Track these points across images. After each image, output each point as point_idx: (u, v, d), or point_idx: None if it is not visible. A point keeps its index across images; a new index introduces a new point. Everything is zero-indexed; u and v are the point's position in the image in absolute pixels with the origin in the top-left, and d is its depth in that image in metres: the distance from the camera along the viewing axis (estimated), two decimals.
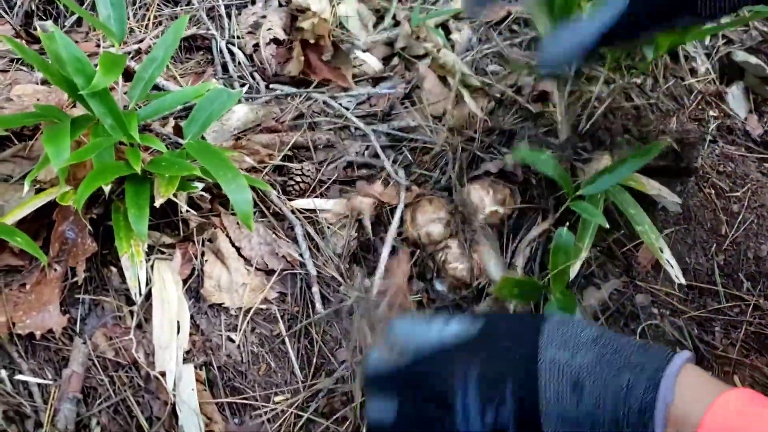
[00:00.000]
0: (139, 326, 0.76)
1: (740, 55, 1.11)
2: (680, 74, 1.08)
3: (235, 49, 1.05)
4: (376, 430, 0.59)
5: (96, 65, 0.74)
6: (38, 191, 0.78)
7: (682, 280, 0.81)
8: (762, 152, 1.05)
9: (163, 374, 0.73)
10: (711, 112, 1.06)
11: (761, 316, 0.89)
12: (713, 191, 0.97)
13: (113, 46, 0.83)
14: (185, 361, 0.75)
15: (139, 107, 0.84)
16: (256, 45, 1.05)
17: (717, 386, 0.52)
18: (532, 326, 0.59)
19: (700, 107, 1.07)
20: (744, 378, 0.85)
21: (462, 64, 1.00)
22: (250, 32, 1.07)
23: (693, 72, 1.10)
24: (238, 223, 0.84)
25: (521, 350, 0.57)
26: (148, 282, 0.77)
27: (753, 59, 1.10)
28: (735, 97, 1.10)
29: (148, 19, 1.08)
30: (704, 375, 0.54)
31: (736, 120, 1.08)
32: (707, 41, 1.12)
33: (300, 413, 0.75)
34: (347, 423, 0.75)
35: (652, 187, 0.85)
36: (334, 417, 0.76)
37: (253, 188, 0.84)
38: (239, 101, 0.97)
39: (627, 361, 0.55)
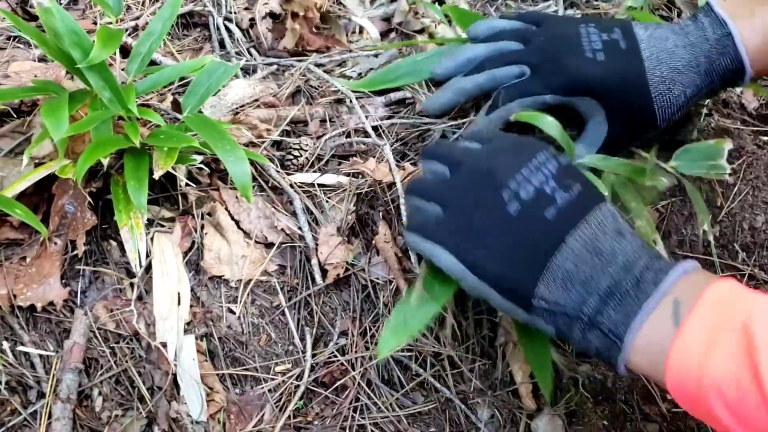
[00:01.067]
0: (139, 298, 0.77)
1: None
2: None
3: (232, 26, 1.06)
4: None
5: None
6: (37, 165, 0.78)
7: None
8: (757, 125, 1.06)
9: (164, 345, 0.74)
10: None
11: (756, 286, 0.90)
12: None
13: (111, 23, 0.83)
14: (186, 332, 0.76)
15: (137, 82, 0.84)
16: (253, 20, 1.05)
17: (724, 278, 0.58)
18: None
19: None
20: None
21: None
22: (246, 8, 1.07)
23: None
24: (237, 197, 0.84)
25: (595, 189, 0.67)
26: (148, 254, 0.78)
27: None
28: None
29: None
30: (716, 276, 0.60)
31: (731, 93, 1.08)
32: None
33: (300, 383, 0.75)
34: (347, 391, 0.76)
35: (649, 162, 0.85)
36: (334, 386, 0.76)
37: (252, 163, 0.85)
38: (236, 77, 0.97)
39: (659, 254, 0.63)
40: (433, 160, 0.70)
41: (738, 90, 1.10)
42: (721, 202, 0.95)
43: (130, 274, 0.78)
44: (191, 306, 0.78)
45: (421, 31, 1.05)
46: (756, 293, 0.54)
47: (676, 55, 0.78)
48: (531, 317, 0.62)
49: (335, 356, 0.77)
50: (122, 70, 0.84)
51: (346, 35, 1.07)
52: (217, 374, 0.75)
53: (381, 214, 0.86)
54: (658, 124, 0.81)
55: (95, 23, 1.04)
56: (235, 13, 1.07)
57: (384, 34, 1.08)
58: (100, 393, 0.73)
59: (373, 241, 0.82)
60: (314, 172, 0.89)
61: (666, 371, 0.53)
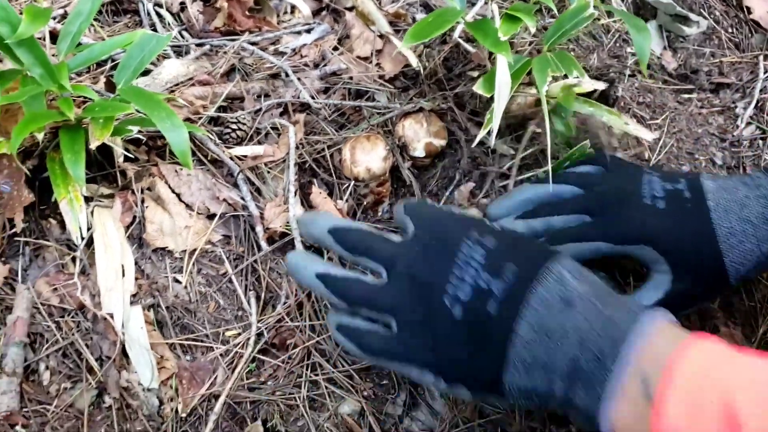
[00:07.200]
0: (83, 272, 0.76)
1: None
2: (597, 12, 1.12)
3: (162, 11, 1.05)
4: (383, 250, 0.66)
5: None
6: None
7: None
8: (678, 84, 1.11)
9: (111, 315, 0.73)
10: (629, 49, 1.11)
11: None
12: (634, 120, 1.02)
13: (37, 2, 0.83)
14: (132, 303, 0.76)
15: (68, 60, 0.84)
16: (183, 4, 1.05)
17: (689, 334, 0.55)
18: (550, 250, 0.65)
19: (618, 44, 1.12)
20: None
21: (378, 13, 1.02)
22: None
23: (609, 13, 1.15)
24: (176, 171, 0.85)
25: (534, 254, 0.63)
26: (89, 228, 0.77)
27: None
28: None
29: None
30: (681, 328, 0.57)
31: (652, 56, 1.13)
32: None
33: (251, 346, 0.76)
34: (296, 350, 0.76)
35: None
36: (285, 347, 0.77)
37: (191, 138, 0.85)
38: (169, 57, 0.97)
39: (617, 301, 0.60)
40: (364, 257, 0.66)
41: (658, 52, 1.15)
42: (648, 155, 0.99)
43: (72, 249, 0.77)
44: (136, 278, 0.77)
45: (351, 8, 1.06)
46: (731, 359, 0.53)
47: (747, 206, 0.71)
48: (509, 401, 0.61)
49: (284, 319, 0.78)
50: (52, 56, 0.83)
51: (277, 15, 1.08)
52: (167, 342, 0.75)
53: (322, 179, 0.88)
54: (731, 282, 0.72)
55: (20, 13, 1.02)
56: None
57: (316, 12, 1.09)
58: (47, 367, 0.72)
59: (311, 197, 0.84)
60: (254, 144, 0.90)
61: None
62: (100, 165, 0.84)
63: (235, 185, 0.86)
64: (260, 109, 0.93)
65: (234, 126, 0.89)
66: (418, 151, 0.87)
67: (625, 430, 0.55)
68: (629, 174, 0.79)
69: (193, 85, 0.94)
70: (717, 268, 0.71)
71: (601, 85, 0.87)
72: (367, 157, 0.85)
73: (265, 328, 0.77)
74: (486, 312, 0.59)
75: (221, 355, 0.75)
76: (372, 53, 0.98)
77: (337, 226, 0.68)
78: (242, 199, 0.84)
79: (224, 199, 0.84)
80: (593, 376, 0.55)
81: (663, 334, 0.56)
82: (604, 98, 1.00)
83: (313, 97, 0.93)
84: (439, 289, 0.61)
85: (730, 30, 1.18)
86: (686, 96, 1.09)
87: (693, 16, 1.16)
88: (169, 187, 0.83)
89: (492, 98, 0.79)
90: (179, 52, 1.01)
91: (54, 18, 1.01)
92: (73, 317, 0.74)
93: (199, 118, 0.90)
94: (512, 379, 0.59)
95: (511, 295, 0.59)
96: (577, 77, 0.76)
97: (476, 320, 0.60)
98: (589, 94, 0.93)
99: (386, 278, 0.64)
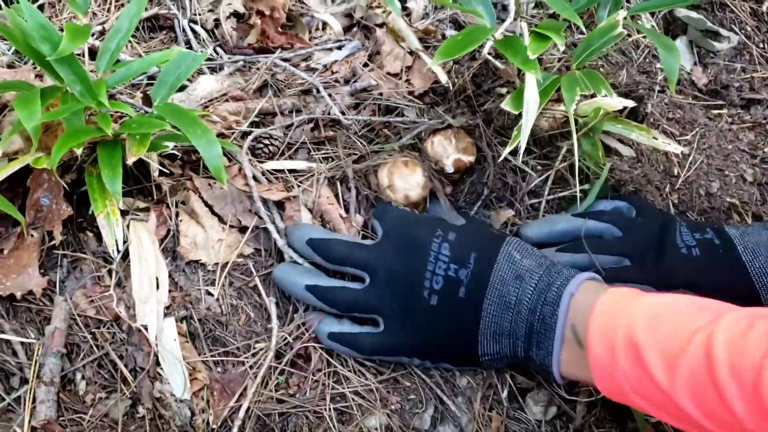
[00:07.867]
0: (118, 284, 0.78)
1: (682, 11, 1.16)
2: (627, 30, 1.12)
3: (197, 27, 1.08)
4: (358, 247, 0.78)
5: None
6: (10, 160, 0.80)
7: None
8: (708, 100, 1.11)
9: (145, 327, 0.75)
10: (658, 65, 1.11)
11: None
12: (663, 135, 1.01)
13: (78, 21, 0.85)
14: (166, 315, 0.77)
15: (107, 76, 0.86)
16: (217, 20, 1.07)
17: (608, 288, 0.69)
18: (500, 234, 0.80)
19: (647, 60, 1.12)
20: None
21: (408, 30, 1.04)
22: (211, 10, 1.10)
23: (638, 31, 1.15)
24: (210, 184, 0.86)
25: (489, 242, 0.77)
26: (125, 241, 0.79)
27: (694, 14, 1.15)
28: (680, 50, 1.15)
29: (110, 3, 1.10)
30: (603, 284, 0.71)
31: (682, 71, 1.13)
32: None
33: (279, 356, 0.77)
34: (324, 363, 0.78)
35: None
36: (313, 359, 0.78)
37: (224, 152, 0.87)
38: (203, 73, 0.99)
39: (557, 269, 0.73)
40: (345, 266, 0.78)
41: (688, 68, 1.15)
42: (678, 171, 0.99)
43: (108, 261, 0.79)
44: (170, 291, 0.79)
45: (381, 25, 1.08)
46: (633, 299, 0.65)
47: None
48: (483, 366, 0.76)
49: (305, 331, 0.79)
50: (91, 71, 0.86)
51: (309, 32, 1.10)
52: (200, 356, 0.77)
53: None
54: None
55: (61, 30, 1.05)
56: (199, 14, 1.09)
57: (347, 29, 1.11)
58: (83, 377, 0.74)
59: (315, 204, 0.87)
60: (285, 159, 0.92)
61: (594, 378, 0.65)
62: (136, 179, 0.86)
63: (264, 201, 0.86)
64: (292, 125, 0.94)
65: (266, 141, 0.91)
66: (447, 167, 0.88)
67: (571, 374, 0.69)
68: (663, 223, 0.85)
69: (226, 100, 0.96)
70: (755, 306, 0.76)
71: (630, 103, 0.87)
72: (406, 184, 0.86)
73: (293, 341, 0.78)
74: (458, 297, 0.72)
75: (251, 366, 0.77)
76: (402, 69, 1.00)
77: (313, 238, 0.79)
78: (268, 216, 0.85)
79: (255, 213, 0.85)
80: (542, 335, 0.69)
81: (587, 290, 0.69)
82: (634, 114, 1.01)
83: (343, 113, 0.94)
84: (418, 285, 0.73)
85: (761, 45, 1.18)
86: (716, 112, 1.09)
87: (724, 32, 1.16)
88: (203, 200, 0.85)
89: (520, 115, 0.80)
90: (213, 68, 1.03)
91: (92, 35, 1.03)
92: (108, 328, 0.76)
93: (232, 133, 0.92)
94: (484, 350, 0.73)
95: (476, 279, 0.73)
96: (605, 95, 0.76)
97: (451, 305, 0.73)
98: (618, 112, 0.93)
99: (369, 282, 0.76)
